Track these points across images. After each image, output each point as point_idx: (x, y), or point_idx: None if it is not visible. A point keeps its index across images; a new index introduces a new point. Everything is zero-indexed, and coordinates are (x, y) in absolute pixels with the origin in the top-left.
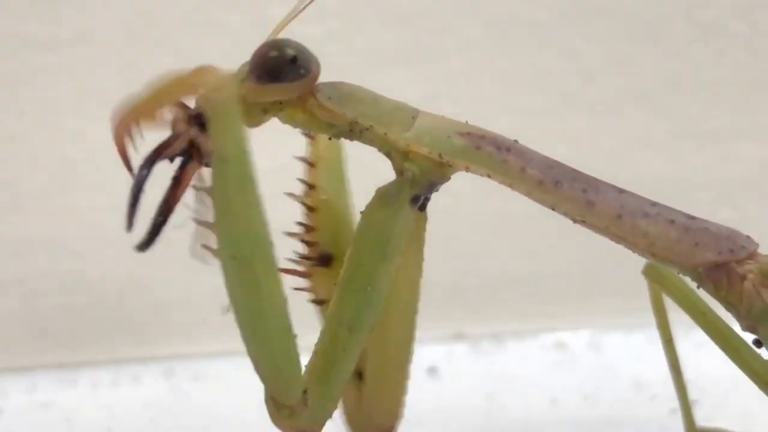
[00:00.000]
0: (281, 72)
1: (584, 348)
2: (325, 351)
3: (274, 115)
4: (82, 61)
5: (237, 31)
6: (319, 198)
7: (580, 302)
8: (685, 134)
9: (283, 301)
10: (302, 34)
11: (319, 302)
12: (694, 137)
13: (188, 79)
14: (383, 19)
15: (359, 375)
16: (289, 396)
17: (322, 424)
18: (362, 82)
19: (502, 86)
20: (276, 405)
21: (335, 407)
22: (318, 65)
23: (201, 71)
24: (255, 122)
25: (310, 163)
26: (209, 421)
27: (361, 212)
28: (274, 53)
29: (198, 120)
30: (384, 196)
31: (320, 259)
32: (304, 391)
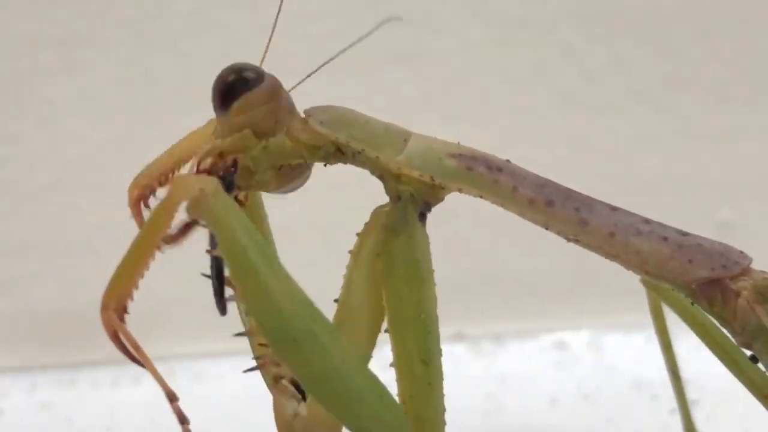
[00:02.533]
0: (237, 86)
1: (584, 348)
2: (411, 395)
3: (267, 162)
4: (82, 61)
5: (237, 31)
6: None
7: (580, 302)
8: (685, 134)
9: (355, 356)
10: (302, 34)
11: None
12: (694, 137)
13: (172, 197)
14: (383, 19)
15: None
16: None
17: None
18: (362, 82)
19: (502, 86)
20: None
21: None
22: (272, 77)
23: (180, 188)
24: (253, 162)
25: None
26: (209, 421)
27: (377, 255)
28: (230, 77)
29: None
30: (393, 227)
31: None
32: None
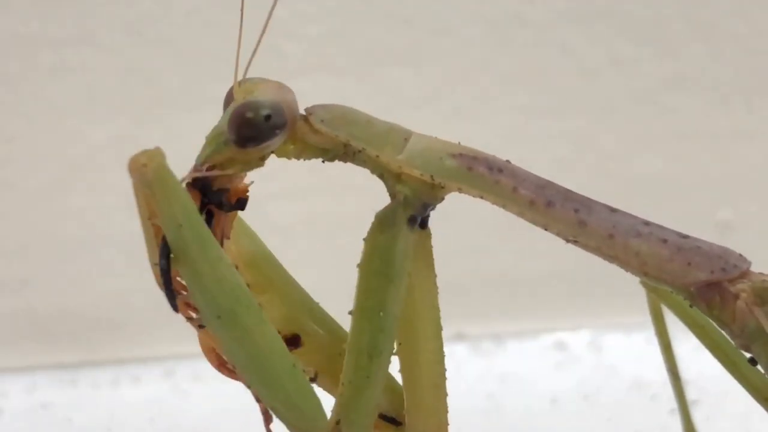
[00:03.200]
0: (261, 133)
1: (584, 348)
2: (350, 381)
3: (268, 157)
4: (82, 61)
5: (237, 31)
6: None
7: (580, 302)
8: (685, 134)
9: (279, 342)
10: (302, 34)
11: (311, 380)
12: (694, 137)
13: (134, 177)
14: (383, 19)
15: (394, 421)
16: (316, 428)
17: None
18: (362, 82)
19: (502, 86)
20: None
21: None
22: (290, 108)
23: (131, 164)
24: (254, 168)
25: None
26: (209, 421)
27: (363, 239)
28: (249, 115)
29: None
30: (381, 221)
31: (289, 344)
32: (337, 422)
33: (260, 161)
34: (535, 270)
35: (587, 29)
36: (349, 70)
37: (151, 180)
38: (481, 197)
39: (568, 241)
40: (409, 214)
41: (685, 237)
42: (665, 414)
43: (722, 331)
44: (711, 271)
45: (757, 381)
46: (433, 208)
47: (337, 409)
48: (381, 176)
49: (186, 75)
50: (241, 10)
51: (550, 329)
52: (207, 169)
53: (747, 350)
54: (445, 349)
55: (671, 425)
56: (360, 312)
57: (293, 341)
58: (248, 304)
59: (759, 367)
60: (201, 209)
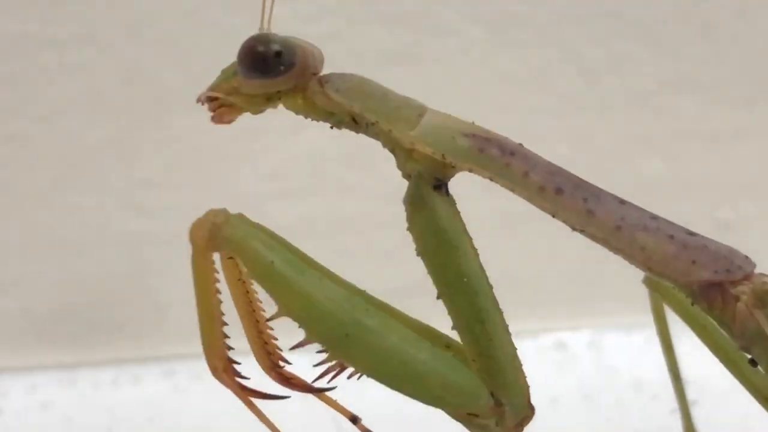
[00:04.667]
0: (267, 66)
1: (584, 348)
2: (479, 353)
3: (276, 102)
4: (82, 61)
5: (237, 31)
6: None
7: (580, 302)
8: (685, 134)
9: (409, 331)
10: (302, 33)
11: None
12: (694, 137)
13: (203, 242)
14: (383, 19)
15: None
16: (481, 403)
17: (526, 407)
18: None
19: (502, 86)
20: (480, 425)
21: (523, 385)
22: (304, 55)
23: (194, 232)
24: (258, 110)
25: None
26: (209, 421)
27: (407, 229)
28: (259, 48)
29: None
30: (412, 203)
31: None
32: (492, 394)
33: (265, 102)
34: (535, 270)
35: (587, 29)
36: (349, 70)
37: (230, 235)
38: (491, 179)
39: (574, 229)
40: (431, 183)
41: (693, 235)
42: (665, 414)
43: (723, 333)
44: (715, 271)
45: (757, 381)
46: (446, 182)
47: (484, 384)
48: (392, 151)
49: (186, 75)
50: (271, 8)
51: (550, 329)
52: (210, 98)
53: (747, 351)
54: None
55: (671, 425)
56: (446, 290)
57: None
58: (366, 307)
59: (759, 367)
60: None
